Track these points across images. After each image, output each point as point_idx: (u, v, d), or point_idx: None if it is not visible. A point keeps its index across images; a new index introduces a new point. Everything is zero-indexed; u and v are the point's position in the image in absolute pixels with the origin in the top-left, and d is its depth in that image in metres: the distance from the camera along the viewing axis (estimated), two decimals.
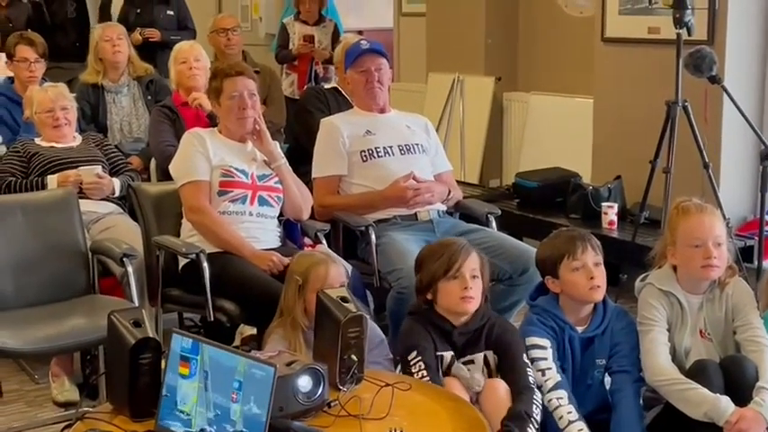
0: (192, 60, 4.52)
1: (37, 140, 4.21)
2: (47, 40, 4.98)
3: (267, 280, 3.27)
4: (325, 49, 6.39)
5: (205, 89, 4.01)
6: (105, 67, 4.94)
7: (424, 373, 2.74)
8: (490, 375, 2.87)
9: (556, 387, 2.83)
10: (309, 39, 6.37)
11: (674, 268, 2.96)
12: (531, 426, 2.70)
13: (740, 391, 2.73)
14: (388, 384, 2.41)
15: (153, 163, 4.52)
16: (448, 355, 2.86)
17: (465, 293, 2.83)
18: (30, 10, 6.46)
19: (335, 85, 4.59)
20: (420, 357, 2.77)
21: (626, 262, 4.22)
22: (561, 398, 2.82)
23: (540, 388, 2.83)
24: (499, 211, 3.91)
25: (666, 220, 3.17)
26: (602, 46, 5.14)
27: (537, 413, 2.75)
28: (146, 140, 4.77)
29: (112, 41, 4.93)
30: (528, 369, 2.84)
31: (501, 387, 2.79)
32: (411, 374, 2.75)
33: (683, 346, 2.91)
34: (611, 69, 5.11)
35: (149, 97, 4.96)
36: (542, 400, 2.81)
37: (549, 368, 2.87)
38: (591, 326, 2.98)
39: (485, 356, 2.88)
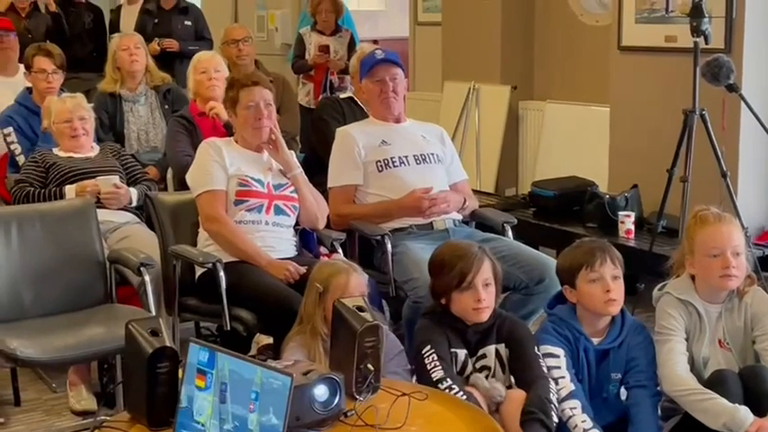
0: (212, 71, 4.53)
1: (55, 151, 4.22)
2: (65, 50, 5.00)
3: (283, 289, 3.27)
4: (341, 60, 6.41)
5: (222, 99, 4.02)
6: (123, 76, 4.96)
7: (437, 363, 2.76)
8: (502, 369, 2.89)
9: (569, 396, 2.82)
10: (325, 49, 6.39)
11: (692, 278, 2.95)
12: (552, 411, 2.71)
13: (759, 402, 2.72)
14: (404, 394, 2.41)
15: (170, 172, 4.53)
16: (461, 353, 2.88)
17: (478, 305, 2.87)
18: (49, 21, 6.48)
19: (351, 95, 4.60)
20: (433, 350, 2.80)
21: (643, 271, 4.20)
22: (575, 407, 2.80)
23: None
24: (515, 220, 3.92)
25: (684, 229, 3.15)
26: (619, 54, 5.13)
27: (555, 401, 2.75)
28: (163, 150, 4.78)
29: (130, 50, 4.95)
30: (540, 360, 2.85)
31: (522, 398, 2.79)
32: (425, 367, 2.77)
33: (702, 356, 2.89)
34: (627, 78, 5.10)
35: (166, 106, 4.97)
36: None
37: (563, 377, 2.86)
38: (607, 338, 2.97)
39: (496, 350, 2.92)
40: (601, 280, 2.91)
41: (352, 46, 6.44)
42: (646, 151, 4.92)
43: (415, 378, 2.87)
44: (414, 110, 5.58)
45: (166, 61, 5.89)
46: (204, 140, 3.75)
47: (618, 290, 2.92)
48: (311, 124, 4.73)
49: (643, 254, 4.32)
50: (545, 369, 2.83)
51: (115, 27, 6.82)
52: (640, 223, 4.75)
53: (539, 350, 2.89)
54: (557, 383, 2.83)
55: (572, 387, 2.84)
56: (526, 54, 6.22)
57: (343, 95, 4.76)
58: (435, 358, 2.77)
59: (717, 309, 2.92)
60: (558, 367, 2.87)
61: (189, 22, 6.46)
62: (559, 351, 2.90)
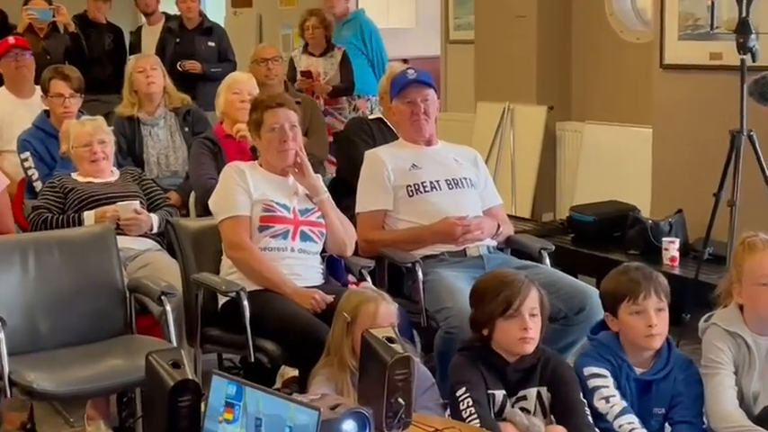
0: (245, 93, 4.56)
1: (74, 175, 4.25)
2: (84, 72, 5.05)
3: (310, 319, 3.28)
4: (330, 82, 6.35)
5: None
6: (140, 98, 4.99)
7: (473, 410, 2.73)
8: (544, 414, 2.86)
9: (623, 413, 2.81)
10: (307, 74, 6.29)
11: (741, 307, 2.92)
12: None
13: None
14: (436, 430, 2.41)
15: (192, 198, 4.56)
16: (500, 394, 2.85)
17: (524, 334, 2.83)
18: (68, 42, 6.53)
19: (380, 116, 4.62)
20: (469, 394, 2.76)
21: (689, 301, 4.17)
22: (632, 422, 2.80)
23: (604, 417, 2.82)
24: (553, 247, 3.90)
25: (732, 256, 3.12)
26: (661, 73, 5.12)
27: None
28: (183, 174, 4.81)
29: (146, 72, 4.99)
30: (585, 408, 2.82)
31: None
32: (459, 412, 2.74)
33: (752, 391, 2.87)
34: (670, 97, 5.10)
35: (186, 129, 5.00)
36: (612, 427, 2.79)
37: (613, 395, 2.84)
38: (652, 369, 2.95)
39: (538, 392, 2.88)
40: (644, 313, 2.89)
41: (346, 65, 6.40)
42: (691, 174, 4.90)
43: (448, 412, 2.86)
44: (445, 132, 5.49)
45: (188, 83, 5.94)
46: (227, 164, 3.80)
47: (662, 323, 2.91)
48: (339, 146, 4.73)
49: (688, 282, 4.29)
50: (590, 419, 2.80)
51: (136, 48, 6.90)
52: (685, 250, 4.73)
53: (588, 386, 2.87)
54: (607, 401, 2.83)
55: (624, 404, 2.83)
56: (563, 73, 6.22)
57: (371, 116, 4.78)
58: (470, 403, 2.74)
59: (767, 341, 2.90)
60: (606, 386, 2.86)
61: (212, 43, 6.52)
62: (605, 371, 2.89)
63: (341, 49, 6.51)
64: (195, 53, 6.41)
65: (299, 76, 6.33)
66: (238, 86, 4.63)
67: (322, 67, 6.43)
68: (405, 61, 6.54)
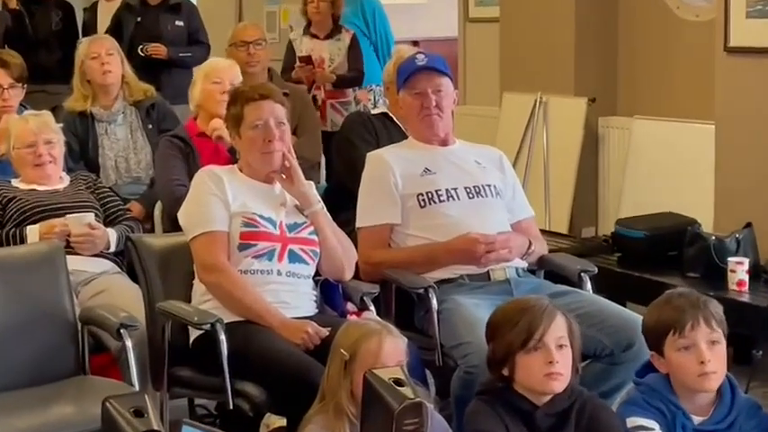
0: (227, 83, 4.56)
1: (14, 182, 4.25)
2: (27, 58, 5.09)
3: (300, 357, 3.27)
4: (337, 69, 6.35)
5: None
6: (94, 90, 5.00)
7: None
8: None
9: None
10: (306, 60, 6.27)
11: None
12: None
13: None
14: None
15: (158, 209, 4.54)
16: None
17: (550, 369, 2.81)
18: (8, 20, 6.56)
19: (385, 110, 4.63)
20: None
21: (760, 334, 4.15)
22: None
23: None
24: (595, 269, 3.89)
25: None
26: (726, 57, 5.12)
27: None
28: (147, 180, 4.80)
29: (101, 59, 4.98)
30: None
31: None
32: None
33: None
34: (737, 87, 5.09)
35: (150, 126, 4.99)
36: None
37: None
38: (712, 418, 2.93)
39: None
40: (693, 348, 2.87)
41: (355, 49, 6.41)
42: (762, 180, 4.89)
43: None
44: (465, 129, 5.54)
45: (151, 71, 5.92)
46: (201, 169, 3.77)
47: (717, 359, 2.88)
48: (336, 147, 4.73)
49: (760, 311, 4.29)
50: None
51: (90, 29, 6.89)
52: (756, 272, 4.71)
53: None
54: None
55: None
56: (607, 58, 6.18)
57: (375, 111, 4.78)
58: None
59: None
60: None
61: (180, 23, 6.50)
62: (653, 424, 2.86)
63: (350, 32, 6.53)
64: (160, 35, 6.40)
65: (297, 63, 6.34)
66: (219, 74, 4.62)
67: (327, 52, 6.44)
68: (415, 43, 6.58)
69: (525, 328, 2.83)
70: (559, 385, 2.83)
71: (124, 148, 4.96)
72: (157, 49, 6.30)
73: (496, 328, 2.93)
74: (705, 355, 2.85)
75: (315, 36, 6.46)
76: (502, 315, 2.96)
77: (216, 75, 4.62)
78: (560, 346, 2.84)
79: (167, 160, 4.48)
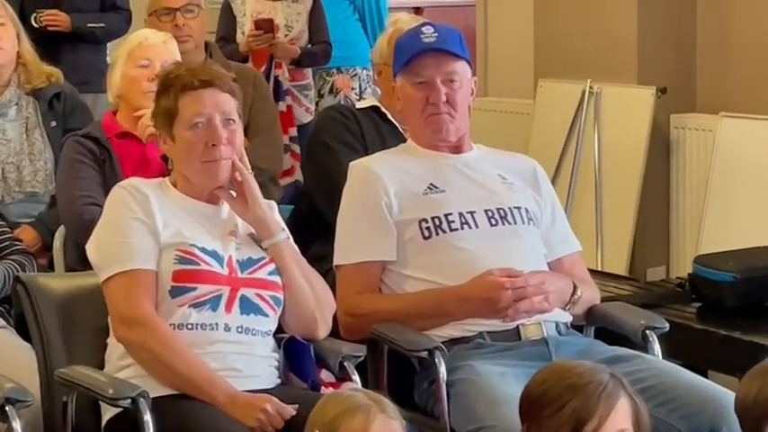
0: (157, 65, 4.15)
1: None
2: None
3: None
4: (297, 40, 5.92)
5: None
6: None
7: None
8: None
9: None
10: (265, 25, 5.81)
11: None
12: None
13: None
14: None
15: (58, 238, 4.20)
16: None
17: None
18: None
19: (375, 103, 4.26)
20: None
21: None
22: None
23: None
24: (666, 325, 3.59)
25: None
26: None
27: None
28: (46, 198, 4.46)
29: None
30: None
31: None
32: None
33: None
34: None
35: (54, 123, 4.59)
36: None
37: None
38: None
39: None
40: None
41: (317, 15, 5.93)
42: None
43: None
44: (485, 129, 5.30)
45: (48, 47, 5.42)
46: (120, 182, 3.45)
47: None
48: (305, 154, 4.51)
49: None
50: None
51: None
52: None
53: None
54: None
55: None
56: (682, 37, 5.80)
57: (361, 104, 4.43)
58: None
59: None
60: None
61: None
62: None
63: None
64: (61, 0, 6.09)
65: (248, 29, 5.83)
66: (147, 53, 4.22)
67: (282, 16, 5.99)
68: (417, 11, 6.34)
69: (573, 417, 2.61)
70: None
71: (16, 152, 4.53)
72: (57, 18, 5.81)
73: (535, 408, 2.69)
74: None
75: None
76: (540, 391, 2.70)
77: (143, 54, 4.21)
78: None
79: (74, 169, 4.12)
